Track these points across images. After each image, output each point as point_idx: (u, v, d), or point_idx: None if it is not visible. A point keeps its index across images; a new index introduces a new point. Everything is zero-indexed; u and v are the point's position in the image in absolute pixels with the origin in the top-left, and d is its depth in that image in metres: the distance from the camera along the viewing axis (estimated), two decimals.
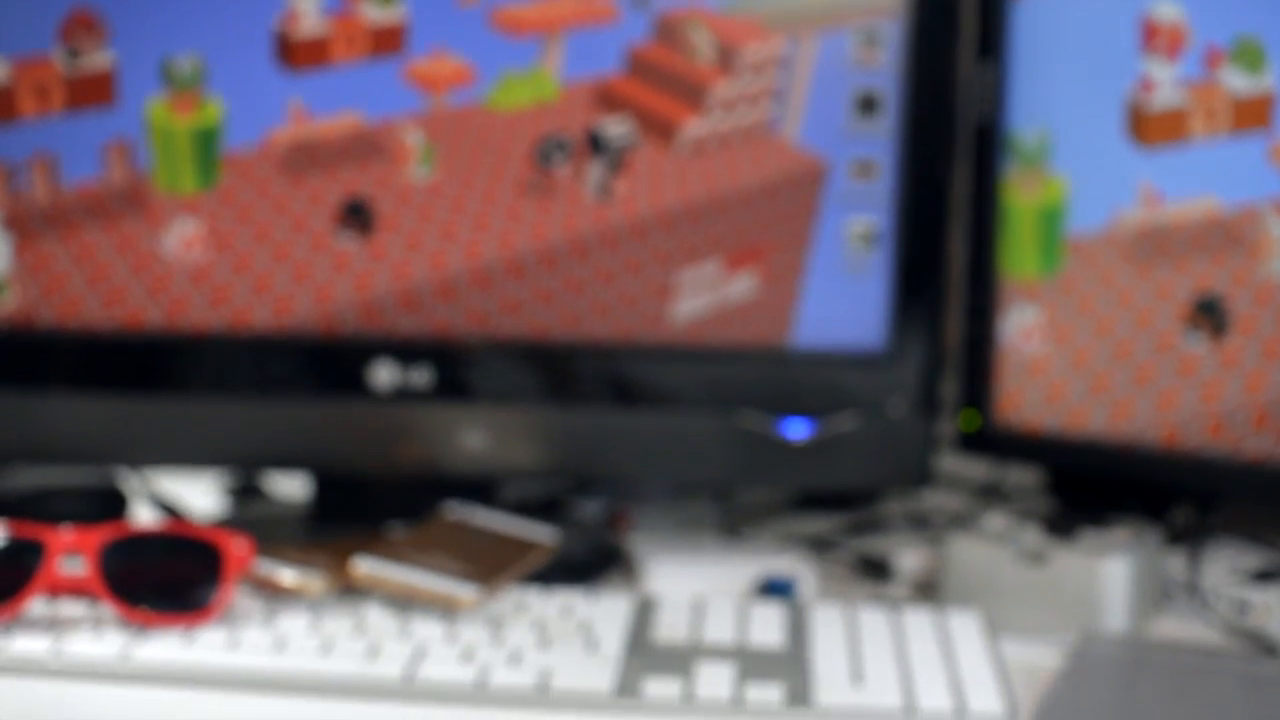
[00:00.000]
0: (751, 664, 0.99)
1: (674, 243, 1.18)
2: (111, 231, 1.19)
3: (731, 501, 1.36)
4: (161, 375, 1.20)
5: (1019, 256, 1.22)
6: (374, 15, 1.17)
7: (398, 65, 1.18)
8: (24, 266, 1.19)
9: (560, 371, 1.19)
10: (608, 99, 1.18)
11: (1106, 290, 1.18)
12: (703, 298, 1.19)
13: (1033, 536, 1.12)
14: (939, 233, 1.19)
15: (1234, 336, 1.13)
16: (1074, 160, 1.19)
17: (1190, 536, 1.20)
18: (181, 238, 1.19)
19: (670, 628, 1.04)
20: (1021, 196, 1.21)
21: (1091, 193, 1.19)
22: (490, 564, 1.09)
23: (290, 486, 1.36)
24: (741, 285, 1.19)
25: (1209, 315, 1.13)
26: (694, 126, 1.18)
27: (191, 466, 1.29)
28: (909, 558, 1.25)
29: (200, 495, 1.35)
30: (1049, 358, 1.21)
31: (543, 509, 1.24)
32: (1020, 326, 1.22)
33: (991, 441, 1.25)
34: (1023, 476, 1.35)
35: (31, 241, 1.19)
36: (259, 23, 1.17)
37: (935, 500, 1.35)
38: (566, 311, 1.19)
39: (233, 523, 1.21)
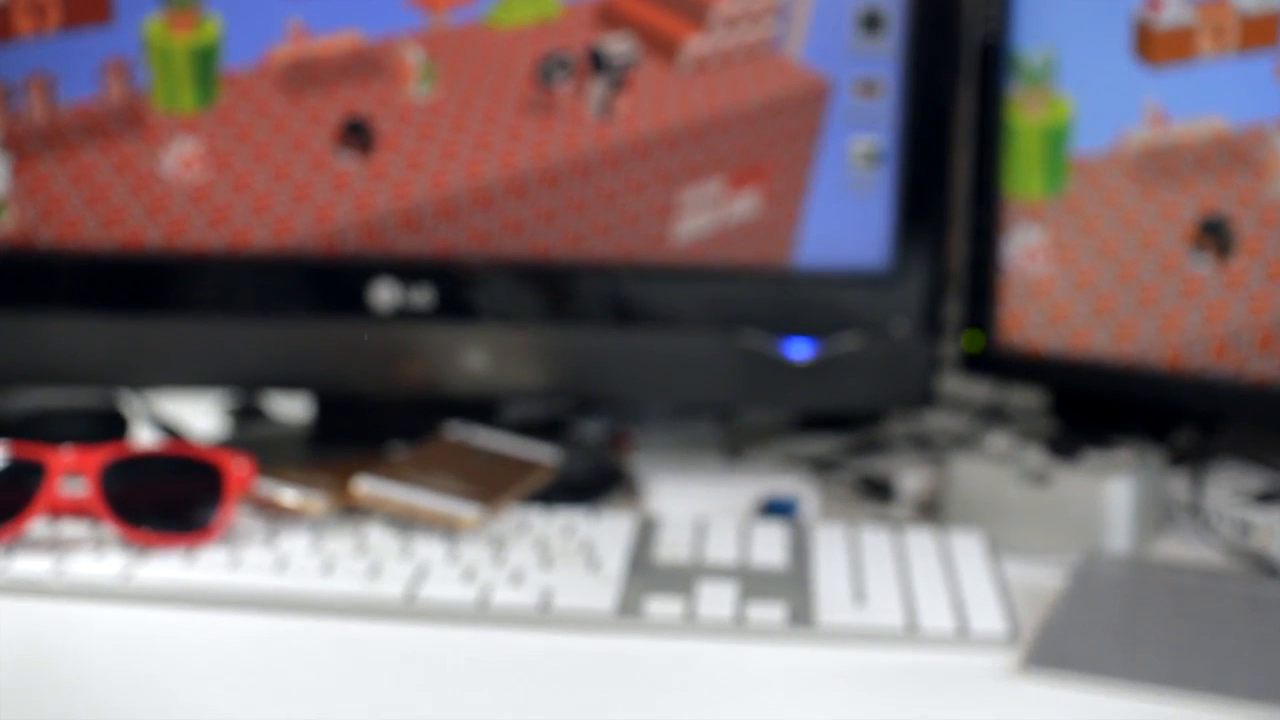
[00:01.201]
0: (753, 583, 0.99)
1: (676, 162, 1.17)
2: (110, 151, 1.18)
3: (733, 422, 1.36)
4: (161, 296, 1.20)
5: (1023, 176, 1.21)
6: None
7: None
8: (22, 187, 1.18)
9: (562, 291, 1.18)
10: (609, 16, 1.17)
11: (1111, 211, 1.17)
12: (705, 217, 1.18)
13: (1035, 457, 1.12)
14: (943, 152, 1.18)
15: (1239, 257, 1.12)
16: (1079, 79, 1.18)
17: (1193, 458, 1.20)
18: (180, 157, 1.18)
19: (672, 547, 1.04)
20: (1026, 116, 1.21)
21: (1097, 112, 1.18)
22: (492, 484, 1.09)
23: (291, 407, 1.36)
24: (744, 204, 1.18)
25: (1214, 236, 1.13)
26: (696, 44, 1.17)
27: (192, 388, 1.29)
28: (911, 478, 1.25)
29: (201, 417, 1.35)
30: (1053, 279, 1.20)
31: (544, 430, 1.24)
32: (1024, 247, 1.21)
33: (994, 362, 1.24)
34: (1025, 398, 1.34)
35: (29, 162, 1.18)
36: None
37: (938, 421, 1.35)
38: (568, 231, 1.18)
39: (234, 444, 1.21)
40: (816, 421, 1.36)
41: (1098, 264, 1.18)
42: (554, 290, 1.18)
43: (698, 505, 1.15)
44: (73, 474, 1.02)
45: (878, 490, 1.22)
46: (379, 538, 1.04)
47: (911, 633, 0.94)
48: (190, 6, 1.17)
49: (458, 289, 1.18)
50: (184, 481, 1.05)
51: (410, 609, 0.96)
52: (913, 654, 0.93)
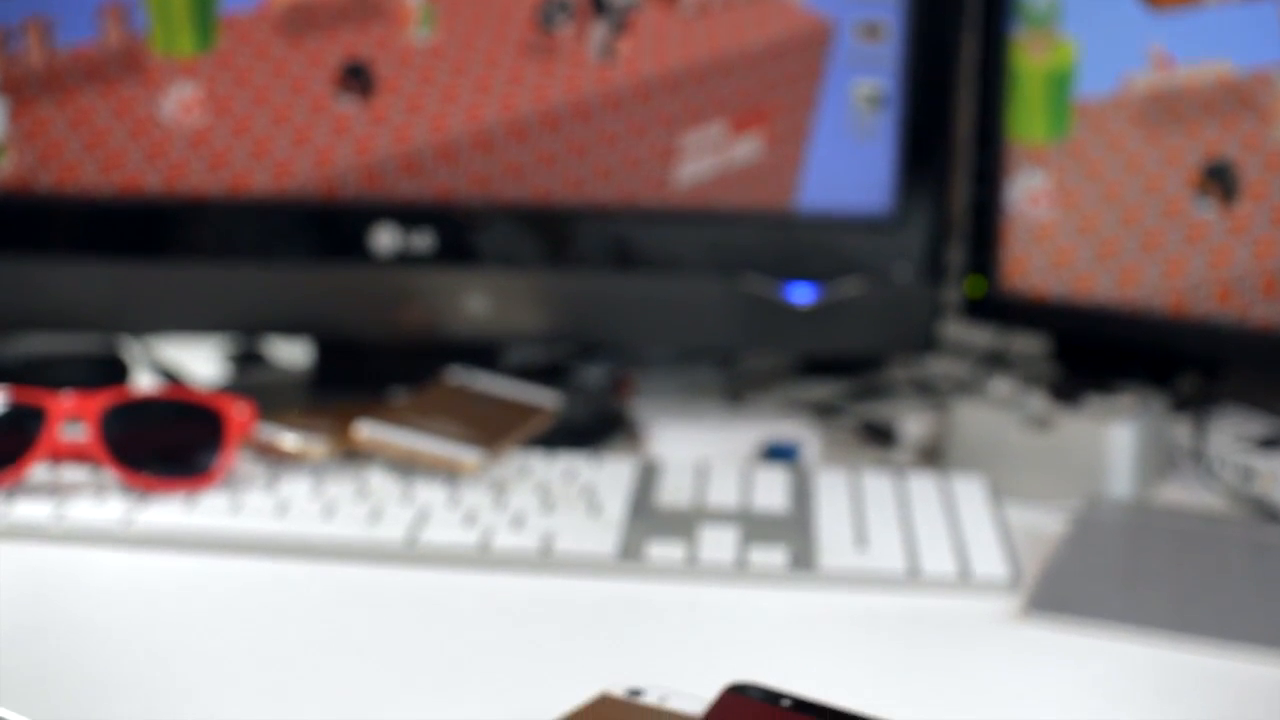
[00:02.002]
0: (755, 528, 0.99)
1: (678, 105, 1.17)
2: (108, 95, 1.17)
3: (735, 367, 1.36)
4: (161, 241, 1.20)
5: (1027, 120, 1.21)
6: None
7: None
8: (20, 131, 1.18)
9: (562, 235, 1.18)
10: None
11: (1115, 155, 1.17)
12: (707, 160, 1.17)
13: (1038, 402, 1.11)
14: (946, 96, 1.18)
15: (1243, 202, 1.11)
16: (1084, 22, 1.18)
17: (1196, 403, 1.20)
18: (179, 101, 1.17)
19: (673, 491, 1.04)
20: (1030, 59, 1.20)
21: (1101, 56, 1.17)
22: (493, 428, 1.08)
23: (292, 353, 1.35)
24: (746, 148, 1.17)
25: (1219, 181, 1.12)
26: None
27: (192, 333, 1.29)
28: (913, 424, 1.24)
29: (202, 362, 1.34)
30: (1056, 223, 1.20)
31: (545, 374, 1.23)
32: (1027, 191, 1.21)
33: (997, 308, 1.24)
34: (1028, 343, 1.34)
35: (27, 106, 1.18)
36: None
37: (940, 367, 1.35)
38: (569, 175, 1.17)
39: (234, 389, 1.20)
40: (818, 366, 1.36)
41: (1101, 209, 1.18)
42: (555, 234, 1.18)
43: (699, 450, 1.14)
44: (73, 419, 1.02)
45: (879, 435, 1.22)
46: (380, 482, 1.04)
47: (913, 577, 0.94)
48: None
49: (458, 233, 1.18)
50: (184, 426, 1.04)
51: (411, 553, 0.96)
52: (914, 598, 0.93)
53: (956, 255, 1.25)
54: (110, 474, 1.03)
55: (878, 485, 1.06)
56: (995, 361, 1.33)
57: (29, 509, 0.99)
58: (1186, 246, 1.14)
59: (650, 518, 1.00)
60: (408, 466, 1.05)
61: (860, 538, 0.98)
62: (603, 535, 0.97)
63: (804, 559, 0.95)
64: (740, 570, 0.95)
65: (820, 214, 1.18)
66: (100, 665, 0.83)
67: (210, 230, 1.20)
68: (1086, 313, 1.19)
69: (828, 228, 1.18)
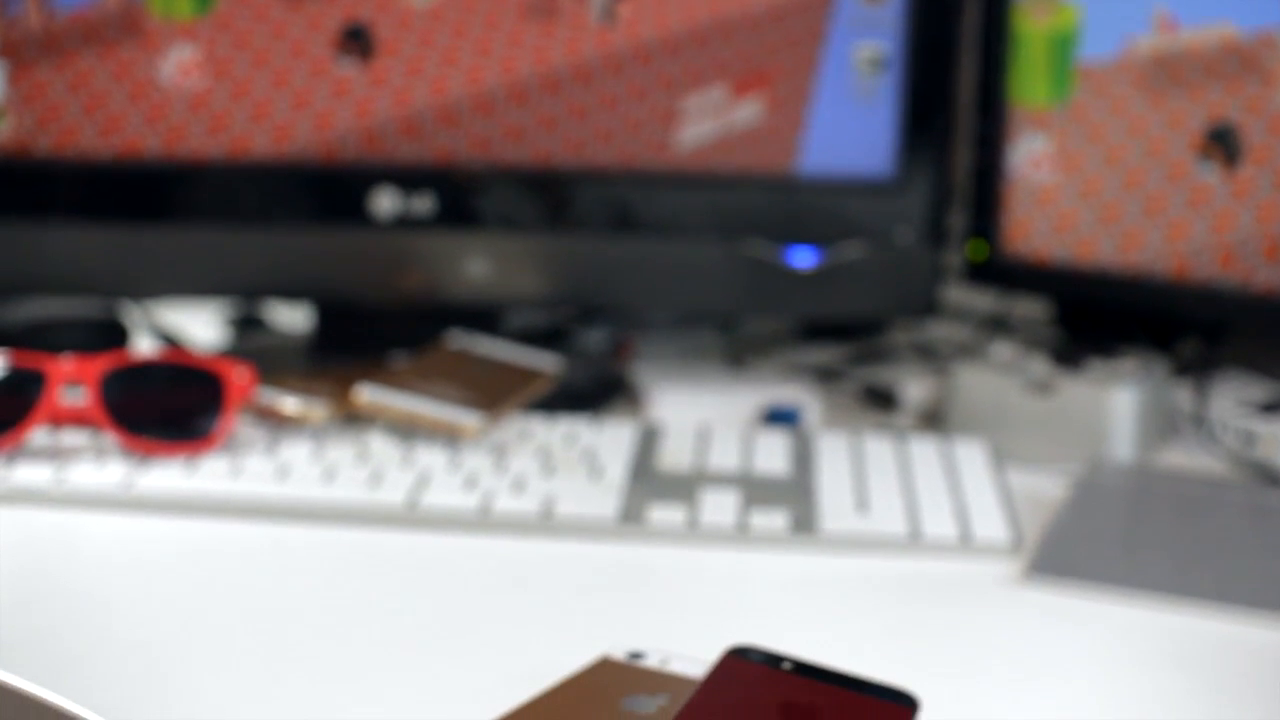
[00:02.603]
0: (756, 491, 0.99)
1: (679, 67, 1.16)
2: (107, 58, 1.17)
3: (736, 331, 1.36)
4: (161, 204, 1.19)
5: (1029, 84, 1.20)
6: None
7: None
8: (19, 94, 1.17)
9: (563, 199, 1.18)
10: None
11: (1118, 119, 1.16)
12: (708, 124, 1.17)
13: (1040, 366, 1.11)
14: (948, 59, 1.17)
15: (1246, 166, 1.11)
16: None
17: (1198, 368, 1.19)
18: (178, 64, 1.17)
19: (675, 455, 1.04)
20: (1033, 22, 1.19)
21: (1104, 19, 1.17)
22: (493, 392, 1.08)
23: (292, 317, 1.35)
24: (748, 111, 1.17)
25: (1222, 144, 1.12)
26: None
27: (192, 297, 1.28)
28: (915, 388, 1.24)
29: (202, 326, 1.34)
30: (1058, 187, 1.19)
31: (546, 338, 1.23)
32: (1029, 155, 1.20)
33: (999, 272, 1.24)
34: (1030, 308, 1.34)
35: (26, 69, 1.17)
36: None
37: (941, 331, 1.34)
38: (570, 138, 1.17)
39: (234, 353, 1.20)
40: (819, 330, 1.36)
41: (1103, 172, 1.17)
42: (555, 198, 1.18)
43: (700, 414, 1.14)
44: (73, 383, 1.02)
45: (880, 399, 1.22)
46: (380, 446, 1.04)
47: (914, 541, 0.94)
48: None
49: (459, 196, 1.17)
50: (184, 390, 1.04)
51: (412, 517, 0.96)
52: (915, 562, 0.93)
53: (958, 219, 1.24)
54: (110, 438, 1.03)
55: (879, 449, 1.06)
56: (997, 326, 1.33)
57: (29, 473, 0.99)
58: (1189, 210, 1.14)
59: (651, 481, 1.00)
60: (408, 430, 1.05)
61: (861, 501, 0.98)
62: (603, 499, 0.97)
63: (805, 522, 0.95)
64: (741, 534, 0.95)
65: (821, 177, 1.17)
66: (100, 629, 0.83)
67: (210, 194, 1.20)
68: (1088, 277, 1.19)
69: (829, 191, 1.17)
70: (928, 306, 1.20)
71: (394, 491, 0.97)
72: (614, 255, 1.18)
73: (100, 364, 1.02)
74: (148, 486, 0.98)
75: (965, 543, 0.94)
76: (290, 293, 1.25)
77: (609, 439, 1.06)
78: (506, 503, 0.96)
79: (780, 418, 1.15)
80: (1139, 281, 1.16)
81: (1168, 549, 0.95)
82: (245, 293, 1.28)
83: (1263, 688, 0.79)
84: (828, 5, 1.16)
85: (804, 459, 1.04)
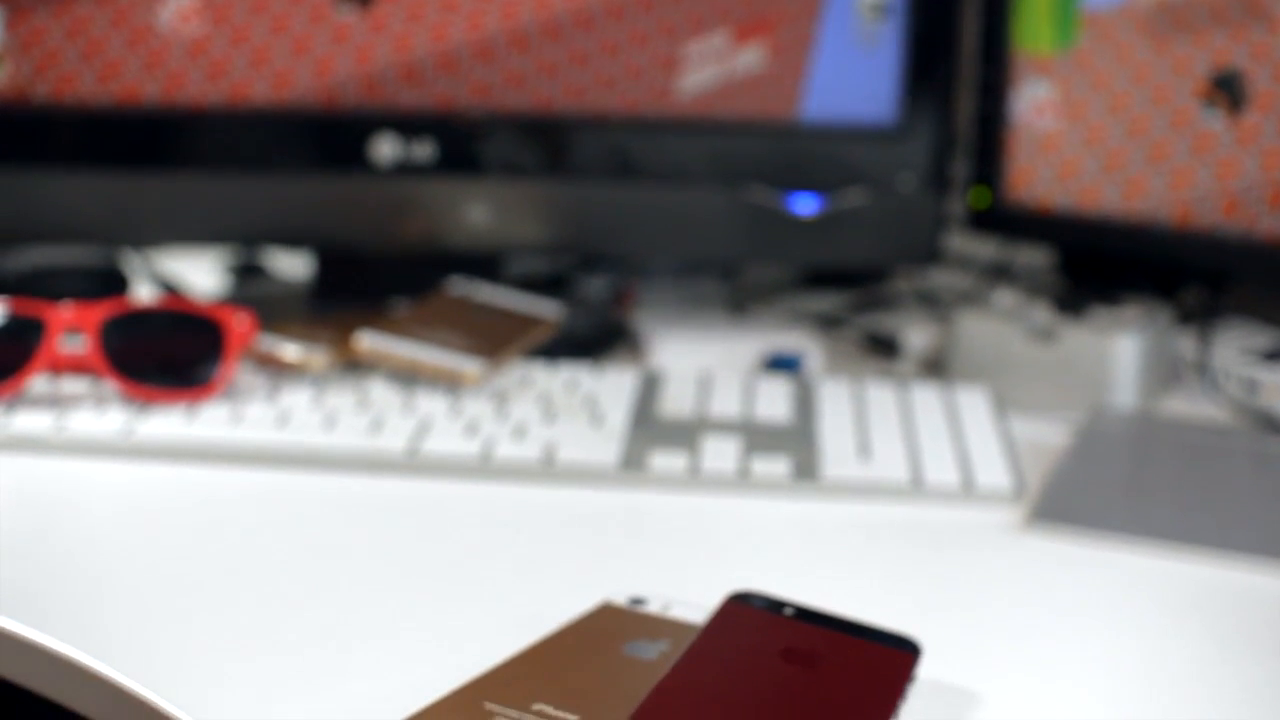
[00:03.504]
0: (757, 438, 0.99)
1: (681, 13, 1.16)
2: (106, 4, 1.16)
3: (738, 279, 1.35)
4: (160, 151, 1.19)
5: (1033, 30, 1.19)
6: None
7: None
8: (17, 41, 1.17)
9: (564, 145, 1.17)
10: None
11: (1122, 65, 1.16)
12: (710, 70, 1.16)
13: (1042, 314, 1.11)
14: (952, 4, 1.17)
15: (1251, 113, 1.10)
16: None
17: (1201, 316, 1.19)
18: (177, 10, 1.16)
19: (676, 402, 1.03)
20: None
21: None
22: (494, 339, 1.08)
23: (292, 265, 1.35)
24: (750, 57, 1.16)
25: (1227, 91, 1.11)
26: None
27: (192, 244, 1.28)
28: (917, 335, 1.24)
29: (202, 274, 1.34)
30: (1061, 134, 1.19)
31: (547, 285, 1.23)
32: (1033, 102, 1.20)
33: (1002, 219, 1.23)
34: (1032, 256, 1.33)
35: (24, 15, 1.16)
36: None
37: (944, 279, 1.34)
38: (571, 84, 1.16)
39: (235, 300, 1.20)
40: (821, 278, 1.35)
41: (1107, 120, 1.17)
42: (556, 144, 1.17)
43: (701, 361, 1.14)
44: (72, 330, 1.01)
45: (883, 346, 1.21)
46: (381, 393, 1.03)
47: (916, 488, 0.94)
48: None
49: (459, 143, 1.17)
50: (184, 337, 1.04)
51: (412, 463, 0.96)
52: (917, 509, 0.93)
53: (961, 166, 1.24)
54: (110, 385, 1.03)
55: (881, 396, 1.05)
56: (999, 273, 1.33)
57: (29, 420, 0.99)
58: (1193, 158, 1.13)
59: (652, 428, 1.00)
60: (409, 377, 1.05)
61: (863, 448, 0.98)
62: (605, 445, 0.97)
63: (807, 469, 0.95)
64: (743, 480, 0.94)
65: (824, 124, 1.17)
66: (100, 576, 0.83)
67: (209, 141, 1.19)
68: (1092, 224, 1.18)
69: (831, 138, 1.17)
70: (930, 254, 1.19)
71: (394, 438, 0.97)
72: (615, 202, 1.18)
73: (100, 311, 1.02)
74: (148, 434, 0.98)
75: (967, 490, 0.94)
76: (290, 240, 1.25)
77: (610, 386, 1.05)
78: (507, 449, 0.96)
79: (782, 365, 1.15)
80: (1142, 229, 1.16)
81: (1170, 496, 0.95)
82: (245, 240, 1.27)
83: (1264, 633, 0.79)
84: None
85: (805, 406, 1.04)
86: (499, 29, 1.16)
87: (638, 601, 0.77)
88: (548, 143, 1.17)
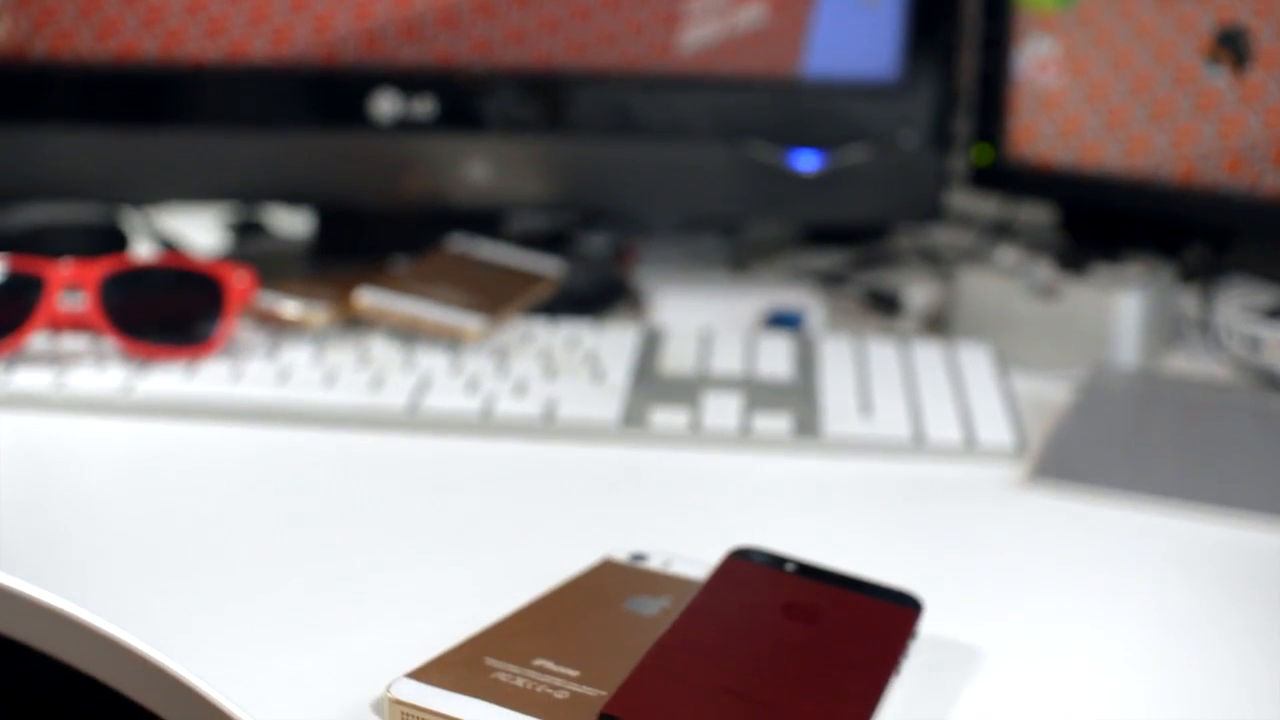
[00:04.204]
0: (759, 395, 0.98)
1: None
2: None
3: (739, 236, 1.35)
4: (159, 108, 1.18)
5: None
6: None
7: None
8: None
9: (565, 101, 1.17)
10: None
11: (1125, 21, 1.15)
12: (711, 25, 1.16)
13: (1045, 271, 1.11)
14: None
15: (1256, 70, 1.10)
16: None
17: (1203, 273, 1.19)
18: None
19: (677, 358, 1.03)
20: None
21: None
22: (495, 295, 1.08)
23: (292, 223, 1.34)
24: (751, 13, 1.16)
25: (1231, 48, 1.11)
26: None
27: (192, 201, 1.28)
28: (919, 293, 1.24)
29: (202, 232, 1.33)
30: (1064, 91, 1.18)
31: (548, 242, 1.23)
32: (1036, 58, 1.19)
33: (1004, 176, 1.23)
34: (1034, 213, 1.33)
35: None
36: None
37: (946, 237, 1.34)
38: (572, 40, 1.16)
39: (235, 258, 1.20)
40: (823, 235, 1.35)
41: (1110, 76, 1.16)
42: (557, 100, 1.17)
43: (702, 318, 1.14)
44: (72, 288, 1.01)
45: (884, 304, 1.21)
46: (381, 349, 1.03)
47: (918, 444, 0.94)
48: None
49: (460, 99, 1.16)
50: (184, 294, 1.04)
51: (413, 420, 0.96)
52: (919, 465, 0.93)
53: (963, 123, 1.23)
54: (110, 342, 1.02)
55: (882, 353, 1.05)
56: (1001, 231, 1.32)
57: (28, 378, 0.99)
58: (1196, 115, 1.13)
59: (654, 385, 1.00)
60: (409, 334, 1.05)
61: (865, 405, 0.98)
62: (606, 402, 0.97)
63: (808, 426, 0.95)
64: (744, 437, 0.94)
65: (826, 80, 1.16)
66: (100, 533, 0.83)
67: (208, 97, 1.19)
68: (1094, 181, 1.18)
69: (833, 94, 1.16)
70: (932, 211, 1.19)
71: (395, 395, 0.97)
72: (616, 159, 1.17)
73: (99, 268, 1.01)
74: (148, 391, 0.98)
75: (969, 446, 0.93)
76: (290, 197, 1.24)
77: (611, 342, 1.05)
78: (508, 406, 0.96)
79: (783, 322, 1.15)
80: (1145, 186, 1.16)
81: (1171, 453, 0.95)
82: (245, 197, 1.27)
83: (1264, 590, 0.79)
84: None
85: (807, 363, 1.03)
86: None
87: (639, 557, 0.76)
88: (548, 99, 1.17)
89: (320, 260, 1.23)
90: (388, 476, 0.91)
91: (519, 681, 0.65)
